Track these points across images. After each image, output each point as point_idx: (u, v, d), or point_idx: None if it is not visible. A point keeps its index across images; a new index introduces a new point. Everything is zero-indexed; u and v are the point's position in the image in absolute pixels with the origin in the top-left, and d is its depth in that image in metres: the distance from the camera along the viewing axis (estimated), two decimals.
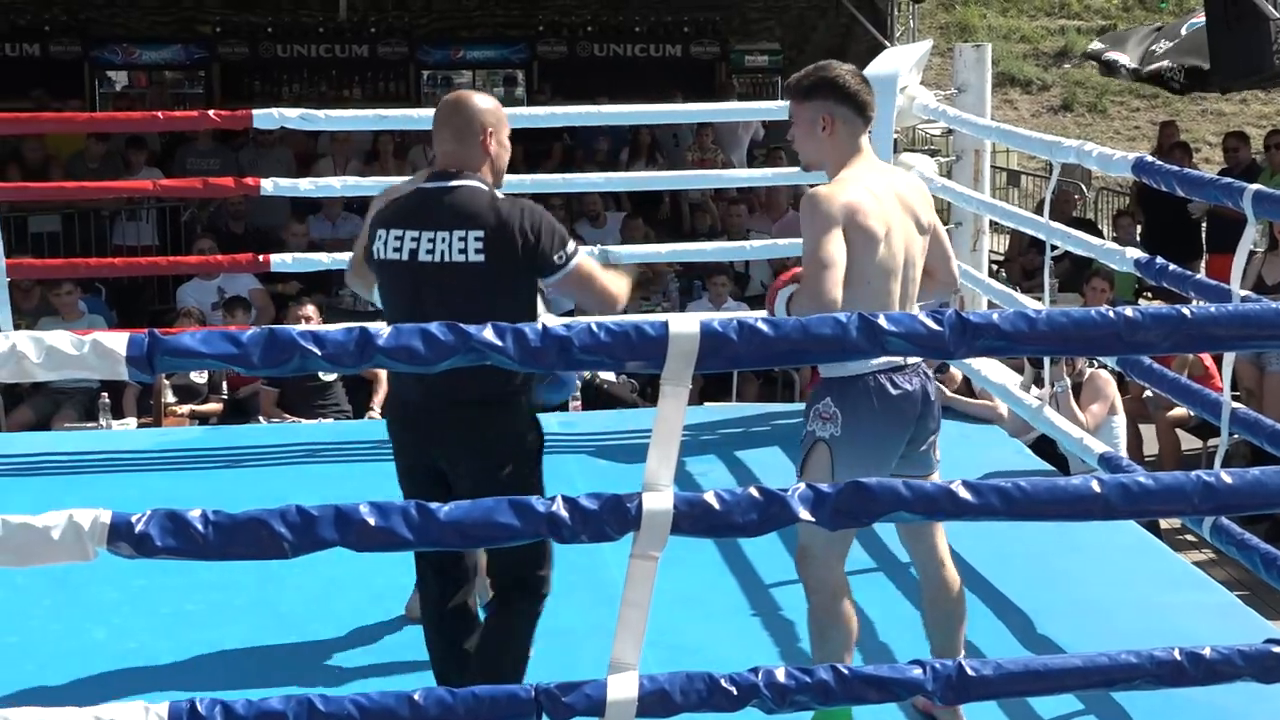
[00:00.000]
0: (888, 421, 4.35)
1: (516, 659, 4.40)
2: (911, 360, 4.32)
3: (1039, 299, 7.10)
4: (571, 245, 4.26)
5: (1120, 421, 8.65)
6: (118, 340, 2.97)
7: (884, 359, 4.16)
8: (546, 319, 4.21)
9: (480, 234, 4.15)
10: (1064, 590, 5.43)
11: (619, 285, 4.45)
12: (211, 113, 8.00)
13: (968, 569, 5.54)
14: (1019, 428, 7.45)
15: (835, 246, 4.17)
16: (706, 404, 9.17)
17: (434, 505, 3.09)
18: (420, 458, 4.37)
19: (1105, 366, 8.01)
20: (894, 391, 4.31)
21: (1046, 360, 6.79)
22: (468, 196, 4.22)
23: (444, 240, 4.16)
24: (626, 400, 9.64)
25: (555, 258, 4.22)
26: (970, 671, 3.21)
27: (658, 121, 14.84)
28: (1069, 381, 8.17)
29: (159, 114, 8.77)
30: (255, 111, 7.54)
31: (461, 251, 4.15)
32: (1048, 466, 6.82)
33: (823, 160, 4.49)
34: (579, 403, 8.95)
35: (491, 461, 4.28)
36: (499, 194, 4.28)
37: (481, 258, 4.14)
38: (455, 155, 4.31)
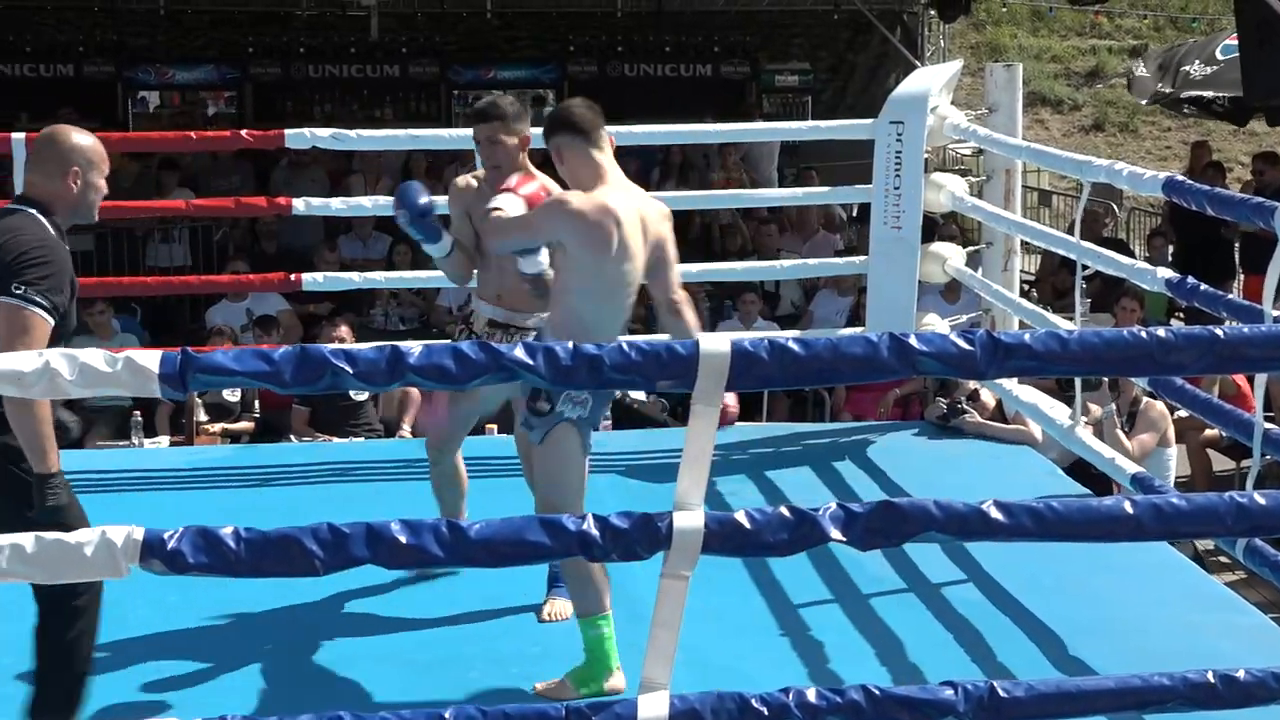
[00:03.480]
0: (603, 402, 4.86)
1: (57, 684, 4.30)
2: None
3: (1070, 319, 7.08)
4: (35, 294, 4.09)
5: (1174, 454, 8.59)
6: (151, 358, 2.99)
7: None
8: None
9: None
10: (1096, 611, 5.40)
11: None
12: (244, 133, 8.03)
13: (999, 589, 5.52)
14: (1059, 452, 7.42)
15: (533, 232, 4.77)
16: (737, 423, 9.14)
17: (464, 523, 3.10)
18: None
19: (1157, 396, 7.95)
20: None
21: (1078, 383, 6.77)
22: (14, 219, 4.26)
23: None
24: (657, 419, 9.62)
25: (13, 285, 4.08)
26: (1002, 693, 3.20)
27: (687, 141, 14.84)
28: (1114, 407, 8.14)
29: (192, 134, 8.81)
30: (288, 131, 7.57)
31: None
32: (1081, 488, 6.78)
33: (572, 185, 4.81)
34: (609, 422, 8.94)
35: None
36: (35, 222, 4.26)
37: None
38: (33, 184, 4.37)
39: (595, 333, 4.46)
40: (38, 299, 4.09)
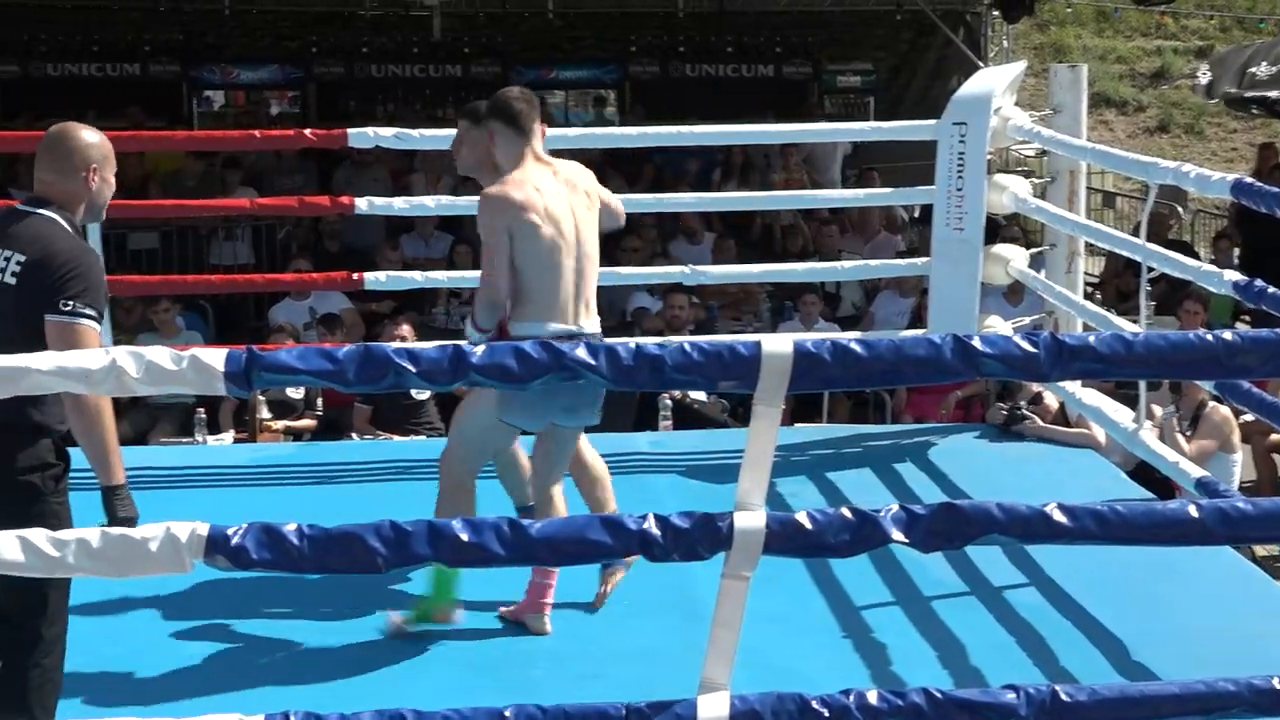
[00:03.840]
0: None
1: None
2: (588, 331, 5.17)
3: (1135, 322, 7.03)
4: (83, 307, 4.10)
5: (1239, 459, 8.51)
6: (216, 356, 3.01)
7: (559, 326, 5.07)
8: None
9: (22, 258, 4.14)
10: (1160, 617, 5.37)
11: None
12: (308, 132, 8.07)
13: (1062, 593, 5.49)
14: (1123, 456, 7.37)
15: (499, 249, 5.07)
16: (797, 425, 9.13)
17: (526, 522, 3.11)
18: None
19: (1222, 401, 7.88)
20: None
21: (1142, 386, 6.72)
22: (37, 224, 4.23)
23: (4, 258, 4.17)
24: (717, 420, 9.61)
25: (62, 302, 4.08)
26: (1065, 697, 3.18)
27: (748, 142, 14.83)
28: (1175, 410, 8.08)
29: (256, 133, 8.87)
30: (351, 131, 7.60)
31: (2, 271, 4.15)
32: (1145, 492, 6.74)
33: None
34: (669, 423, 8.94)
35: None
36: (60, 229, 4.24)
37: (14, 280, 4.11)
38: (49, 185, 4.32)
39: (537, 296, 5.09)
40: (85, 311, 4.11)
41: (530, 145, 5.23)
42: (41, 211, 4.26)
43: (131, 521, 4.14)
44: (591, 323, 5.24)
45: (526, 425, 5.29)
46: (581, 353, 3.03)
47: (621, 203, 5.55)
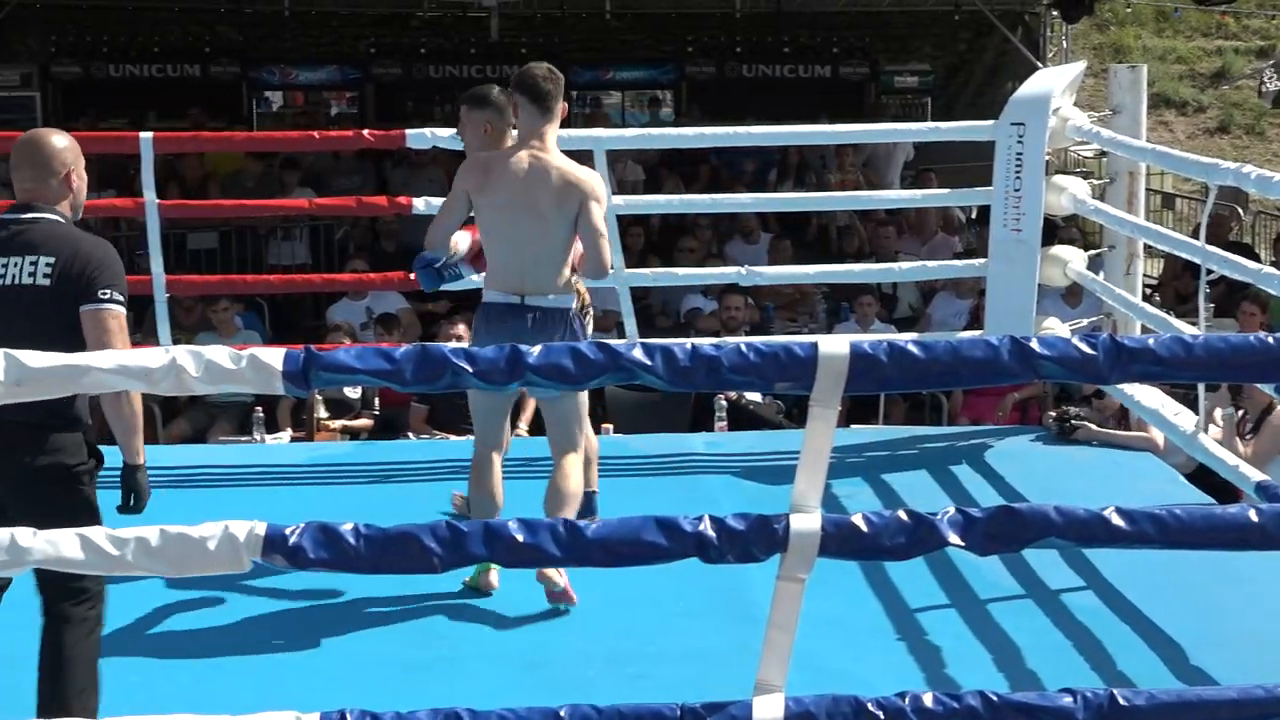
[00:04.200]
0: (490, 335, 5.40)
1: (80, 683, 4.28)
2: (532, 304, 5.46)
3: (1194, 324, 6.97)
4: (115, 293, 4.34)
5: None
6: (274, 355, 3.03)
7: (500, 294, 5.49)
8: None
9: (51, 260, 4.32)
10: (1219, 621, 5.33)
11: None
12: (366, 132, 8.12)
13: (1120, 597, 5.46)
14: (1182, 459, 7.31)
15: (448, 201, 5.60)
16: (853, 426, 9.12)
17: (581, 523, 3.11)
18: None
19: None
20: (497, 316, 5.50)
21: (1201, 388, 6.67)
22: (50, 227, 4.39)
23: (16, 265, 4.33)
24: (772, 421, 9.60)
25: (99, 292, 4.31)
26: (1122, 701, 3.16)
27: (804, 142, 14.80)
28: (1235, 412, 8.00)
29: (315, 134, 8.92)
30: (408, 131, 7.64)
31: (31, 275, 4.31)
32: (1204, 496, 6.69)
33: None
34: (725, 424, 8.94)
35: (37, 486, 4.31)
36: (73, 229, 4.45)
37: (49, 282, 4.30)
38: (35, 191, 4.45)
39: (493, 261, 5.52)
40: (116, 297, 4.35)
41: (535, 127, 5.50)
42: (46, 215, 4.41)
43: (143, 499, 4.54)
44: (541, 299, 5.47)
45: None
46: (638, 353, 3.03)
47: (601, 258, 5.45)
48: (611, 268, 5.59)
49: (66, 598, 4.30)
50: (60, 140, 4.54)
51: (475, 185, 5.48)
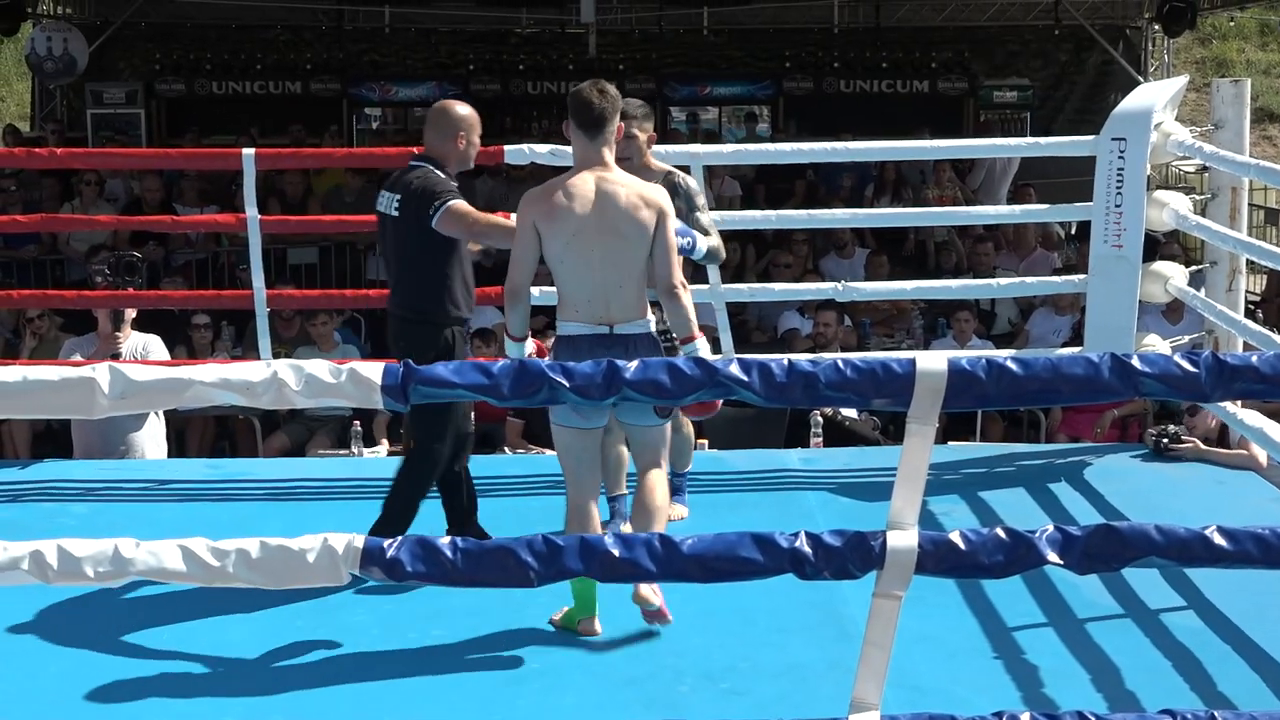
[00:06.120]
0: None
1: (402, 500, 5.80)
2: (622, 332, 5.28)
3: None
4: (442, 200, 5.68)
5: None
6: (374, 370, 3.06)
7: (580, 326, 5.29)
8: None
9: (399, 197, 5.80)
10: None
11: (492, 219, 5.77)
12: None
13: (1221, 617, 5.39)
14: None
15: (519, 238, 5.34)
16: (950, 443, 9.06)
17: (677, 538, 3.12)
18: None
19: None
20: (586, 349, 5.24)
21: None
22: (414, 173, 5.82)
23: (385, 200, 5.89)
24: (868, 438, 9.56)
25: (430, 208, 5.68)
26: None
27: (902, 158, 14.75)
28: None
29: (415, 149, 8.98)
30: (507, 147, 7.69)
31: (386, 207, 5.88)
32: None
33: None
34: (820, 439, 8.91)
35: None
36: (437, 174, 5.79)
37: (396, 213, 5.81)
38: (431, 147, 5.90)
39: (570, 293, 5.30)
40: (447, 200, 5.69)
41: (592, 149, 5.29)
42: (424, 165, 5.83)
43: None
44: (631, 325, 5.30)
45: (573, 422, 5.36)
46: (735, 369, 3.04)
47: (673, 276, 5.32)
48: (684, 286, 5.34)
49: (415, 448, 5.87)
50: (458, 110, 5.92)
51: (542, 214, 5.25)
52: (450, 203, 5.66)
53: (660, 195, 5.34)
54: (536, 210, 5.26)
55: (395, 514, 5.75)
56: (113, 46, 18.06)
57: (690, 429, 6.60)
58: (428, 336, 5.77)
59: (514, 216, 5.50)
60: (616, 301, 5.28)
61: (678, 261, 5.36)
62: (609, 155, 5.32)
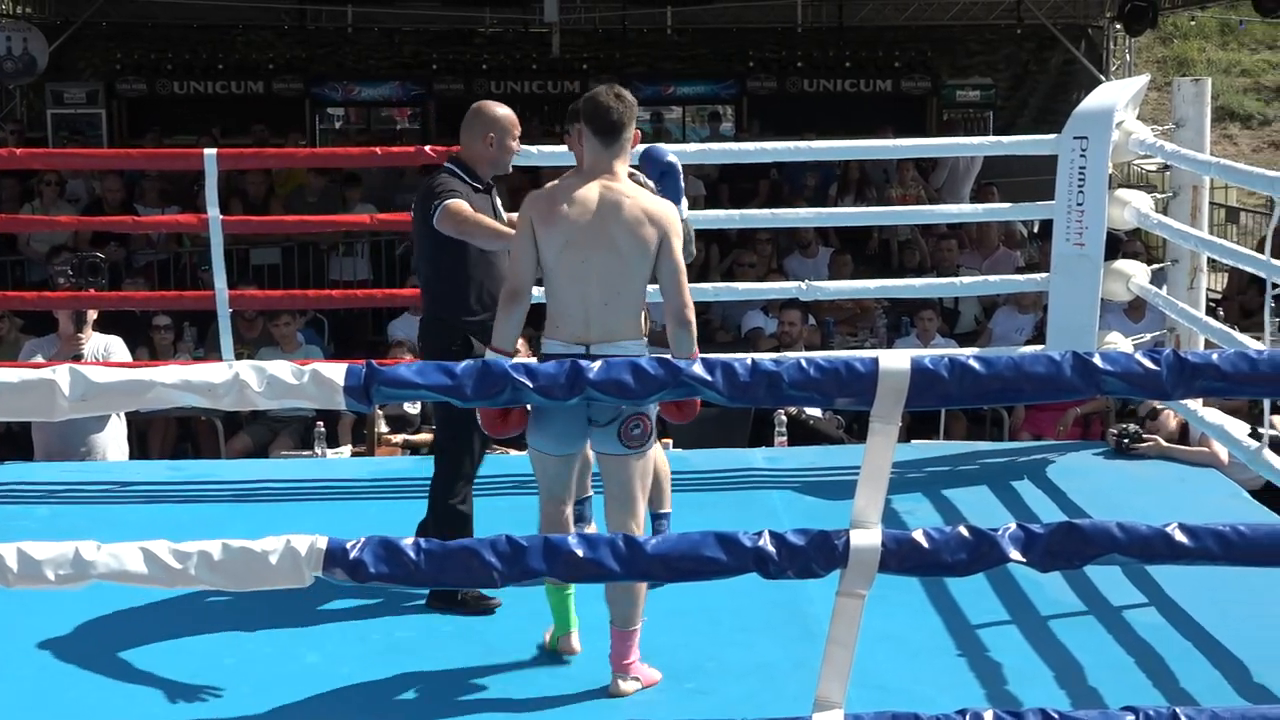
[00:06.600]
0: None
1: (437, 511, 5.72)
2: (599, 353, 4.80)
3: (1258, 338, 6.91)
4: (440, 200, 5.59)
5: None
6: (336, 370, 3.05)
7: (560, 344, 4.94)
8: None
9: (414, 201, 5.80)
10: None
11: (481, 219, 5.61)
12: (428, 148, 8.15)
13: (1183, 614, 5.42)
14: (1247, 476, 7.25)
15: (519, 238, 5.06)
16: (914, 441, 9.08)
17: (641, 539, 3.12)
18: None
19: None
20: None
21: (1266, 404, 6.61)
22: (432, 175, 5.80)
23: (414, 200, 5.86)
24: (833, 437, 9.58)
25: (431, 208, 5.61)
26: (1184, 719, 3.14)
27: (865, 157, 14.78)
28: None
29: (378, 150, 8.97)
30: None
31: (411, 208, 5.93)
32: (1270, 513, 6.62)
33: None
34: (784, 439, 8.92)
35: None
36: (448, 176, 5.73)
37: (412, 213, 5.91)
38: (464, 147, 5.85)
39: (555, 306, 4.98)
40: (446, 199, 5.59)
41: (605, 157, 5.00)
42: (449, 165, 5.81)
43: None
44: (609, 346, 4.87)
45: (547, 449, 5.03)
46: (699, 369, 3.04)
47: (683, 301, 4.94)
48: (692, 310, 4.95)
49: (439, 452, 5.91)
50: (489, 111, 5.89)
51: (540, 216, 4.94)
52: (447, 201, 5.60)
53: (669, 212, 4.98)
54: (536, 212, 4.97)
55: (443, 521, 5.63)
56: (73, 46, 17.96)
57: (666, 467, 6.06)
58: (442, 339, 5.71)
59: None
60: (597, 320, 4.91)
61: (687, 286, 4.96)
62: (620, 165, 5.03)
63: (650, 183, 5.50)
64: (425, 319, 5.89)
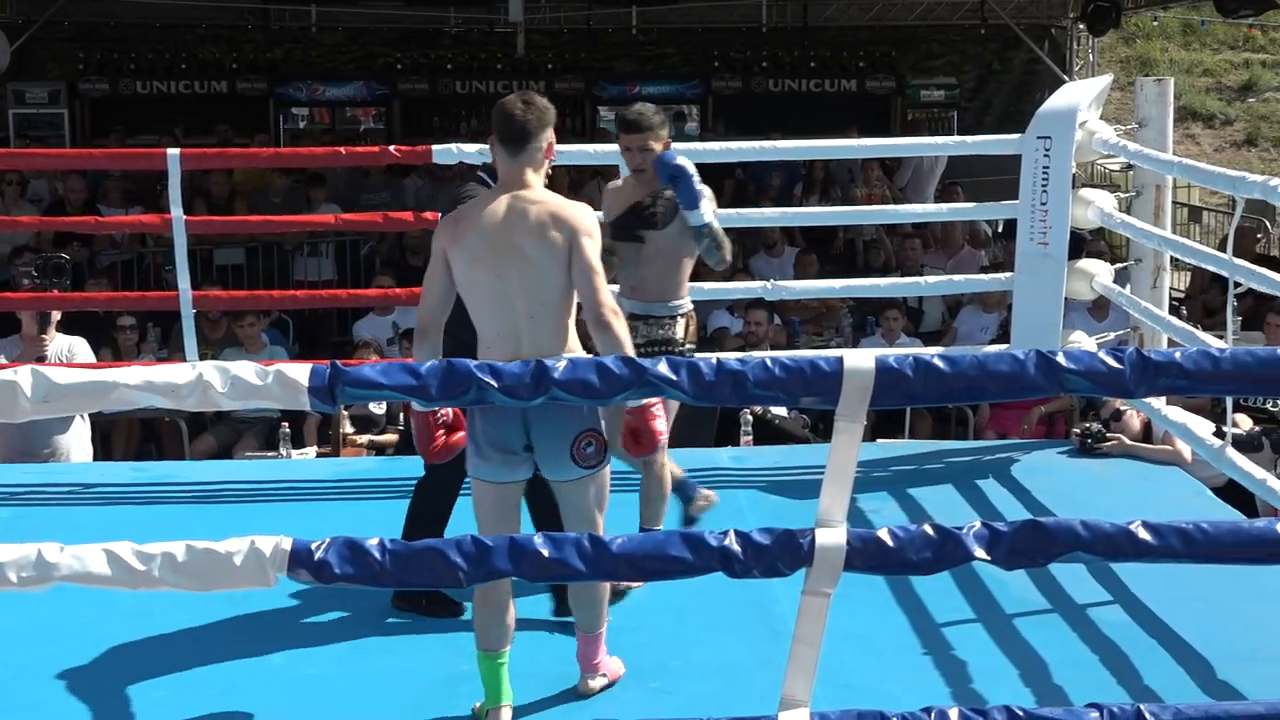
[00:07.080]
0: (492, 424, 4.62)
1: (414, 516, 5.74)
2: None
3: (1221, 337, 6.94)
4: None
5: None
6: (300, 371, 3.04)
7: None
8: None
9: None
10: (1246, 636, 5.30)
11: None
12: (392, 148, 8.13)
13: (1146, 612, 5.44)
14: (1210, 473, 7.28)
15: (430, 268, 4.77)
16: (879, 440, 9.10)
17: (607, 538, 3.11)
18: None
19: None
20: None
21: (1229, 402, 6.65)
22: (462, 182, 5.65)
23: None
24: (798, 435, 9.60)
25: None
26: (1149, 716, 3.16)
27: (830, 157, 14.80)
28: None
29: (341, 149, 8.95)
30: (435, 147, 7.66)
31: None
32: (1232, 510, 6.66)
33: None
34: (750, 438, 8.93)
35: None
36: (475, 184, 5.51)
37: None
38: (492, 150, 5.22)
39: (482, 331, 4.70)
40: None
41: (514, 167, 4.73)
42: (475, 173, 5.68)
43: None
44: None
45: (487, 475, 4.70)
46: (664, 368, 3.04)
47: (598, 300, 4.61)
48: (615, 313, 4.64)
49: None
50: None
51: (449, 238, 4.69)
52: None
53: (581, 215, 4.68)
54: (446, 236, 4.71)
55: (417, 522, 5.66)
56: (35, 46, 17.85)
57: (668, 476, 5.82)
58: (450, 347, 5.32)
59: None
60: (528, 335, 4.62)
61: (605, 287, 4.65)
62: (533, 175, 4.73)
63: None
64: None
